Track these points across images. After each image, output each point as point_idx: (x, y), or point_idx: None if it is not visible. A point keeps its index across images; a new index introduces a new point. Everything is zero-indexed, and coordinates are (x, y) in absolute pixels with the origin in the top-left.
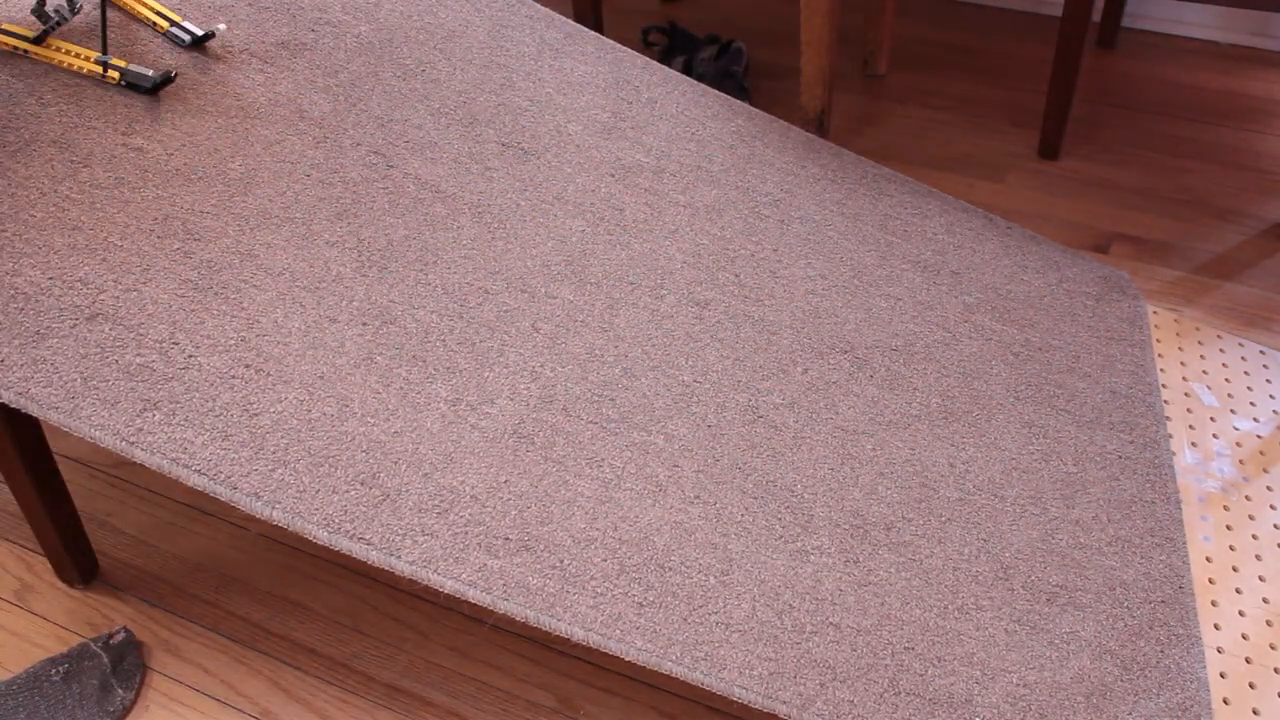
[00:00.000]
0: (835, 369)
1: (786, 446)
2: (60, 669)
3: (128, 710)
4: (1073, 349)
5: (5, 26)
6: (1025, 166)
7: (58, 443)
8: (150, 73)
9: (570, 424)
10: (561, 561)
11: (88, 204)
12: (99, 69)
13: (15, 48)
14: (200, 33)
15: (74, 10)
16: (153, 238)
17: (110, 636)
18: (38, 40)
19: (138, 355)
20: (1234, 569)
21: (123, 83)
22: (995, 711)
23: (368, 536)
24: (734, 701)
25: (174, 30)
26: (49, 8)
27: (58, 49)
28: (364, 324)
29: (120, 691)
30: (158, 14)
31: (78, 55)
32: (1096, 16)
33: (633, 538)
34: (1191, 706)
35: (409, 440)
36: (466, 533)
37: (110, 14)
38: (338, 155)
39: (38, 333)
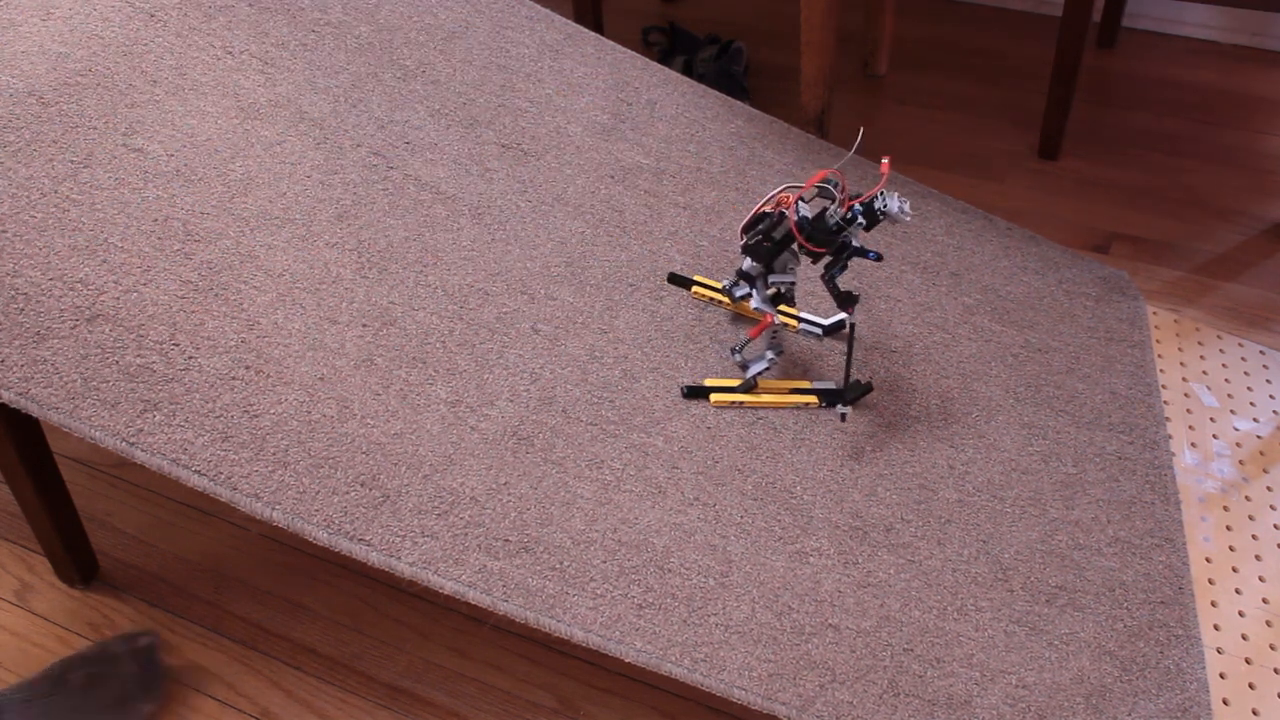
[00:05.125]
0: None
1: (786, 448)
2: (81, 673)
3: None
4: (1072, 350)
5: (714, 382)
6: (1025, 166)
7: (58, 443)
8: (840, 386)
9: (570, 426)
10: (561, 563)
11: (88, 205)
12: (808, 399)
13: (733, 403)
14: (827, 323)
15: (779, 353)
16: (153, 239)
17: (135, 640)
18: (747, 389)
19: (138, 356)
20: (1234, 569)
21: (823, 404)
22: (994, 713)
23: (368, 538)
24: (734, 702)
25: (805, 327)
26: (754, 357)
27: (764, 390)
28: (364, 325)
29: (143, 702)
30: (790, 316)
31: (776, 393)
32: (1096, 16)
33: (632, 539)
34: (1191, 707)
35: (409, 442)
36: (466, 534)
37: (737, 328)
38: (338, 156)
39: (38, 333)
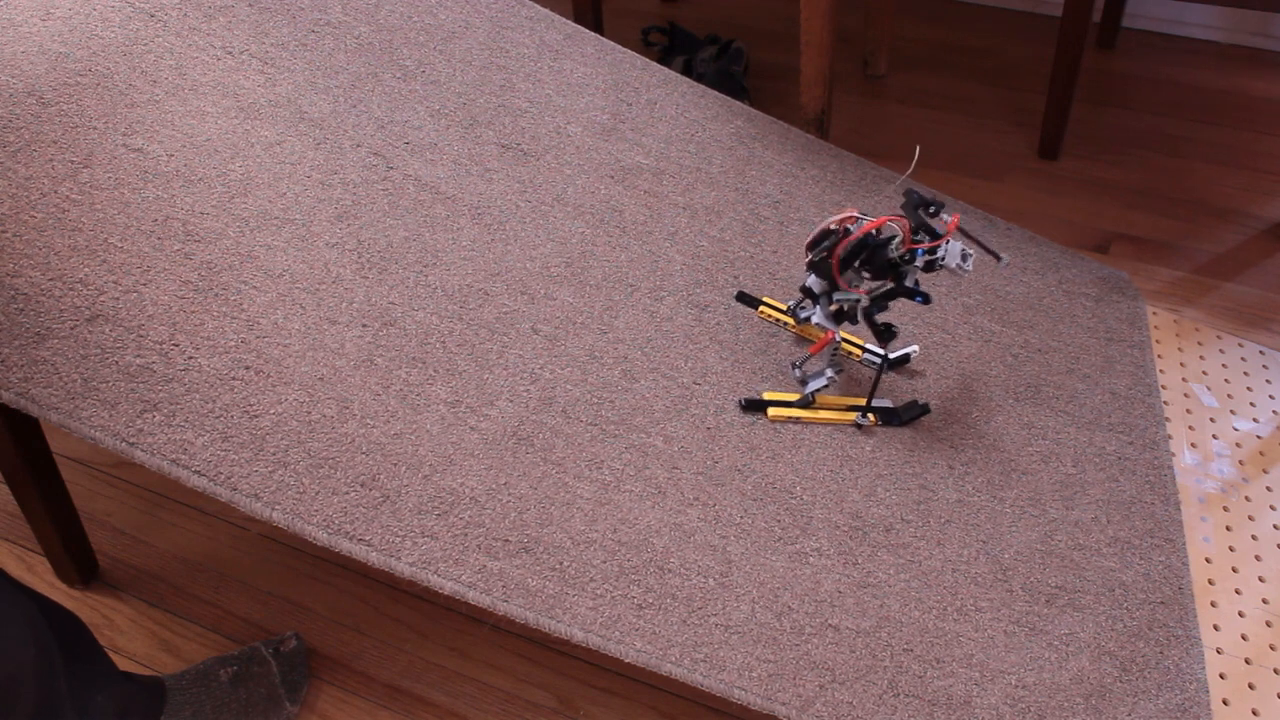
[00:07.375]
0: None
1: (785, 448)
2: (229, 670)
3: None
4: (1072, 350)
5: (773, 396)
6: (1025, 166)
7: (58, 443)
8: (897, 406)
9: (569, 426)
10: (561, 563)
11: (88, 205)
12: (857, 418)
13: (790, 418)
14: (893, 356)
15: (839, 371)
16: (153, 239)
17: (281, 643)
18: (805, 404)
19: (138, 356)
20: (1234, 569)
21: (879, 423)
22: (994, 713)
23: (367, 538)
24: (734, 702)
25: (868, 356)
26: (814, 374)
27: (822, 406)
28: (364, 325)
29: (288, 705)
30: (853, 345)
31: (834, 410)
32: (1096, 16)
33: (632, 540)
34: (1191, 708)
35: (409, 442)
36: (466, 534)
37: (800, 351)
38: (337, 156)
39: (38, 334)
